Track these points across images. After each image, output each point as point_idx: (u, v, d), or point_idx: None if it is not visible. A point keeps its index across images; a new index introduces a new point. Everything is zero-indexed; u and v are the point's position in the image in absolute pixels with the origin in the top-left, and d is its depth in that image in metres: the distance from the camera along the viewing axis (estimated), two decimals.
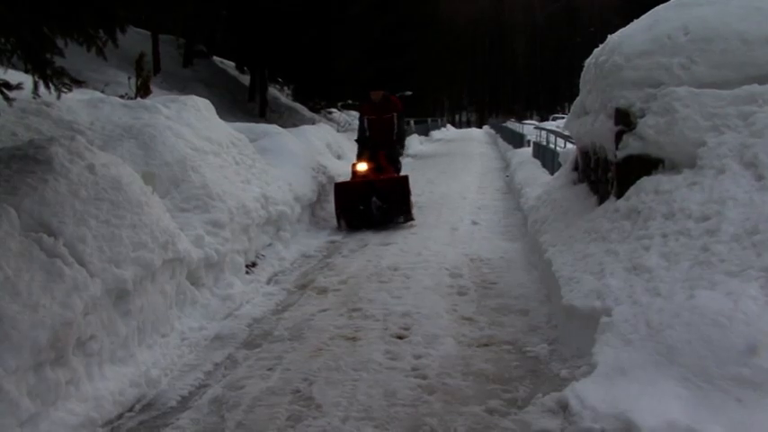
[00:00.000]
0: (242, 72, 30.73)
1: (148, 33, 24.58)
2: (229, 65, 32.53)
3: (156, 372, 5.02)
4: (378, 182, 10.91)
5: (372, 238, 10.29)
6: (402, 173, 12.09)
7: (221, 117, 10.61)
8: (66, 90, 5.99)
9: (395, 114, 11.81)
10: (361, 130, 12.14)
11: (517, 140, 27.26)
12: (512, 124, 37.75)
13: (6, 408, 3.71)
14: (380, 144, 11.71)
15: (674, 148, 5.85)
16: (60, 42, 5.61)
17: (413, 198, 11.45)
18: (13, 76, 6.29)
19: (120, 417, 4.42)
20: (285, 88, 31.62)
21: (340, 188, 11.05)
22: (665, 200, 5.46)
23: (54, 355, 4.17)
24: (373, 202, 10.71)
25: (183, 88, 21.59)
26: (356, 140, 12.29)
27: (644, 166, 6.02)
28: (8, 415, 3.71)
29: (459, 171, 20.54)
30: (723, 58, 6.16)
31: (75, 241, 4.87)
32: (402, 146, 12.60)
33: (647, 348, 4.14)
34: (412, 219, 11.00)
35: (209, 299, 6.46)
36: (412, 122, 36.25)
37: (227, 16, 23.54)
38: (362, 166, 11.35)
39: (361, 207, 10.73)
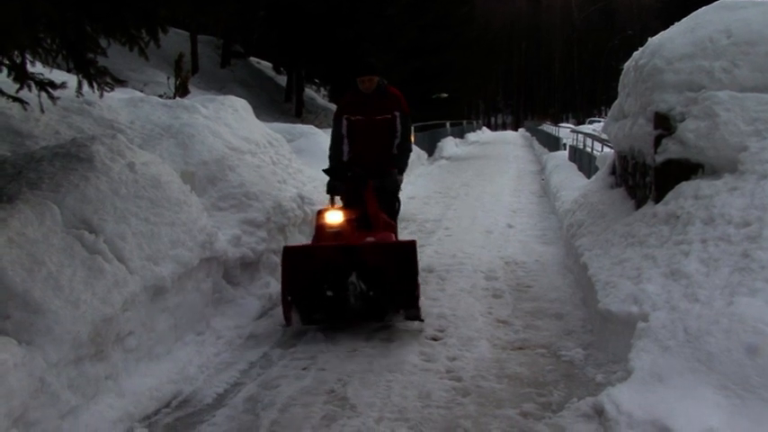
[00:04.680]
0: (278, 73, 31.11)
1: (187, 34, 25.11)
2: (266, 65, 32.93)
3: (193, 369, 5.08)
4: (362, 248, 5.98)
5: (409, 238, 10.20)
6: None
7: (258, 117, 10.71)
8: (108, 89, 6.13)
9: (397, 115, 6.98)
10: (335, 141, 7.16)
11: (553, 143, 27.13)
12: (547, 127, 37.51)
13: (48, 400, 3.80)
14: (370, 166, 6.82)
15: (714, 152, 5.81)
16: (103, 42, 5.73)
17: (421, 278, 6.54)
18: (57, 75, 6.42)
19: (156, 412, 4.48)
20: (321, 89, 31.88)
21: (293, 257, 5.96)
22: (704, 205, 5.41)
23: (94, 350, 4.27)
24: (351, 285, 5.87)
25: (221, 88, 21.96)
26: (326, 171, 6.94)
27: (683, 170, 6.00)
28: (49, 407, 3.81)
29: (494, 174, 20.51)
30: (767, 62, 6.11)
31: (116, 238, 4.96)
32: (403, 167, 7.24)
33: (684, 355, 4.11)
34: (419, 317, 5.90)
35: (245, 298, 6.52)
36: (448, 125, 36.21)
37: (264, 16, 23.78)
38: (335, 216, 6.20)
39: (330, 292, 5.89)
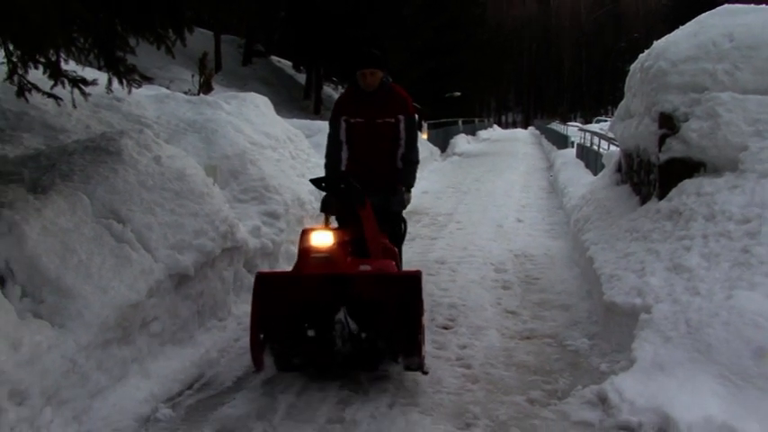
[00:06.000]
0: (298, 71, 31.48)
1: (211, 33, 25.50)
2: (286, 64, 33.25)
3: (214, 353, 5.24)
4: (354, 279, 4.76)
5: (422, 230, 10.43)
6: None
7: (278, 113, 10.85)
8: (136, 86, 6.33)
9: (401, 119, 5.78)
10: (332, 148, 5.94)
11: (561, 141, 27.16)
12: (556, 125, 37.52)
13: (79, 380, 4.01)
14: (372, 179, 5.62)
15: (716, 151, 5.93)
16: (132, 41, 5.92)
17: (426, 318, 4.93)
18: (89, 73, 6.61)
19: (180, 394, 4.63)
20: (339, 87, 32.14)
21: (267, 287, 4.73)
22: (706, 202, 5.55)
23: (121, 334, 4.44)
24: (339, 323, 4.61)
25: (243, 86, 22.24)
26: (314, 181, 5.40)
27: (686, 168, 6.12)
28: (80, 387, 4.01)
29: (505, 170, 20.57)
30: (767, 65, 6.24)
31: (142, 228, 5.13)
32: (411, 183, 5.98)
33: (685, 345, 4.25)
34: (422, 368, 4.62)
35: None
36: (460, 122, 36.25)
37: (285, 17, 24.04)
38: (322, 238, 4.90)
39: (312, 332, 4.64)
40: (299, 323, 4.62)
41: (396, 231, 5.97)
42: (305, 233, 4.97)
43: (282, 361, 4.78)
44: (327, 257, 4.78)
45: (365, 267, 4.89)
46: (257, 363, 4.66)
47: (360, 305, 4.63)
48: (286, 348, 4.74)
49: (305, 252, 4.87)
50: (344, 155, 5.87)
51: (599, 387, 4.32)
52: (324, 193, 5.37)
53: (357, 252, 5.11)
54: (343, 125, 5.85)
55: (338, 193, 5.21)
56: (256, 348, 4.62)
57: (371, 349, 4.66)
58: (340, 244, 4.88)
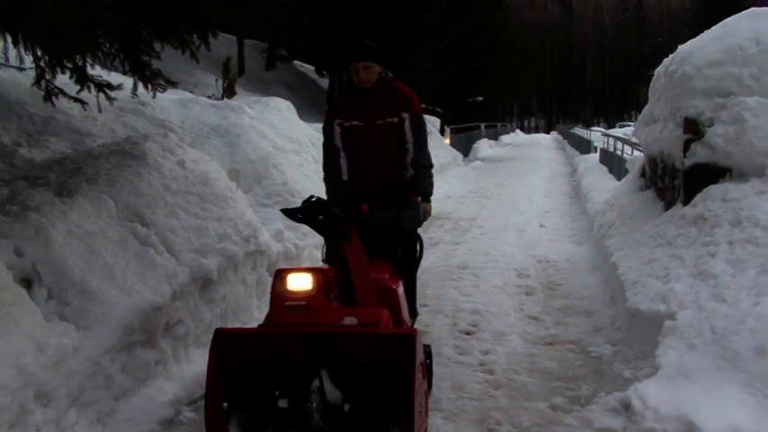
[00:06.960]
0: (321, 75, 31.75)
1: (234, 38, 25.79)
2: (309, 68, 33.57)
3: None
4: (334, 336, 3.47)
5: (444, 235, 10.44)
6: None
7: (301, 118, 10.93)
8: (161, 90, 6.41)
9: (405, 118, 4.97)
10: (329, 157, 5.14)
11: (584, 146, 27.15)
12: (579, 130, 37.48)
13: (103, 382, 4.04)
14: (377, 191, 5.01)
15: (742, 157, 5.89)
16: (156, 46, 5.99)
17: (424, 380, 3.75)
18: (114, 77, 6.70)
19: (203, 397, 4.54)
20: None
21: (227, 346, 3.50)
22: (732, 208, 5.51)
23: (145, 337, 4.47)
24: (315, 390, 3.38)
25: (266, 90, 22.46)
26: (287, 212, 4.00)
27: (711, 174, 6.09)
28: (104, 389, 4.04)
29: (527, 175, 20.56)
30: None
31: (166, 232, 5.17)
32: (427, 190, 5.13)
33: (710, 353, 4.20)
34: None
35: None
36: (483, 127, 36.26)
37: (307, 22, 24.22)
38: (299, 281, 3.72)
39: (283, 402, 3.40)
40: (269, 391, 3.52)
41: (409, 254, 5.09)
42: (278, 275, 3.86)
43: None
44: (305, 306, 3.72)
45: (351, 320, 3.73)
46: None
47: (342, 369, 3.53)
48: (254, 420, 3.61)
49: (278, 299, 3.81)
50: (343, 163, 5.10)
51: (622, 394, 4.28)
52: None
53: (345, 296, 4.03)
54: (338, 130, 5.06)
55: (317, 226, 4.07)
56: (213, 422, 3.49)
57: (356, 424, 3.50)
58: (322, 288, 3.77)
